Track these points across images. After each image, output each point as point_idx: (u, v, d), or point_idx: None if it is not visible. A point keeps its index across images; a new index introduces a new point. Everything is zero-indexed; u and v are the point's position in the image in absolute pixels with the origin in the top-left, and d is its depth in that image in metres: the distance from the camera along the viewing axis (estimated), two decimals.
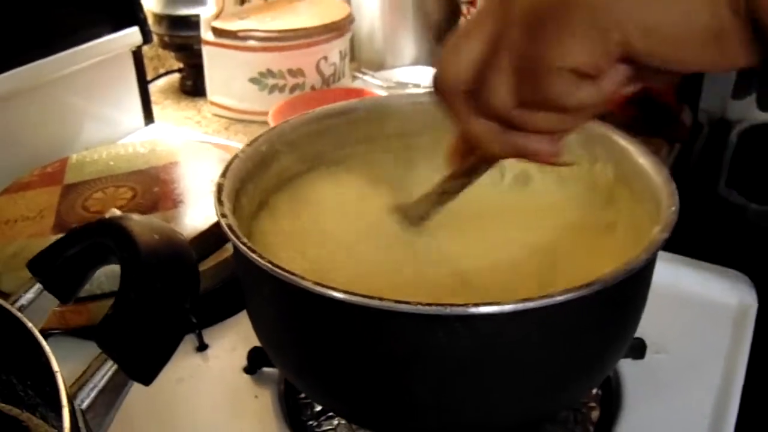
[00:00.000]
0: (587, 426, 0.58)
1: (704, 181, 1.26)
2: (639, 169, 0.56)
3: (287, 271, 0.39)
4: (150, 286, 0.37)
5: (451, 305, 0.36)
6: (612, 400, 0.60)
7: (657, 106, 1.08)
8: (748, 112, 1.24)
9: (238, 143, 1.00)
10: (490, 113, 0.40)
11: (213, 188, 0.50)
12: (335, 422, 0.57)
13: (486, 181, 0.61)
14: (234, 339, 0.65)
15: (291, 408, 0.58)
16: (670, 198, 0.50)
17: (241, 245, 0.42)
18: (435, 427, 0.44)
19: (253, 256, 0.40)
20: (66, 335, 0.64)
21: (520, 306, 0.37)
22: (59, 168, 0.84)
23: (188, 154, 0.85)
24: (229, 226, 0.44)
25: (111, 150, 0.87)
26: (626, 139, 0.59)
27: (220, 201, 0.48)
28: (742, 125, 1.26)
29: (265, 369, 0.61)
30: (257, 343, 0.61)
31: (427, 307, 0.36)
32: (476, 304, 0.37)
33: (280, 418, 0.57)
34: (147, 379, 0.36)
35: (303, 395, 0.59)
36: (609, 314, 0.45)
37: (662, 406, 0.59)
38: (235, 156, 0.55)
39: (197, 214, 0.72)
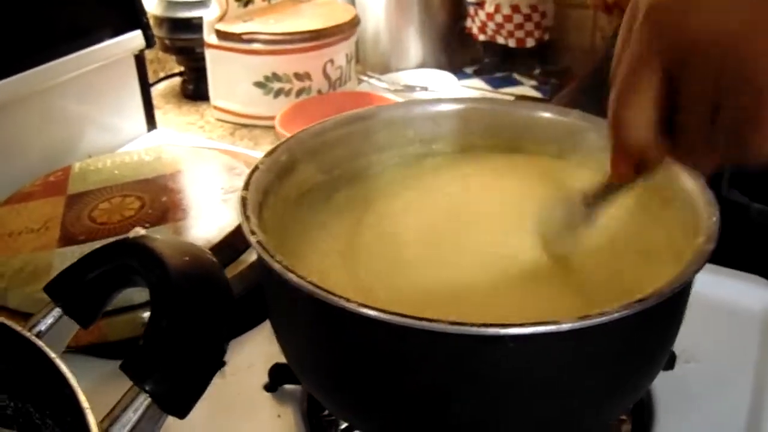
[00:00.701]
0: None
1: (708, 182, 1.25)
2: (672, 176, 0.55)
3: (331, 293, 0.37)
4: (183, 313, 0.35)
5: (508, 325, 0.35)
6: (643, 412, 0.58)
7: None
8: None
9: (244, 149, 0.98)
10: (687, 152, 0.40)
11: (236, 202, 0.48)
12: None
13: None
14: (251, 355, 0.63)
15: (315, 427, 0.56)
16: (709, 207, 0.49)
17: (276, 264, 0.40)
18: None
19: (291, 276, 0.38)
20: (76, 353, 0.62)
21: (578, 324, 0.36)
22: (62, 177, 0.82)
23: (195, 161, 0.83)
24: (260, 243, 0.42)
25: (115, 158, 0.85)
26: None
27: (246, 216, 0.46)
28: None
29: (287, 386, 0.59)
30: (276, 360, 0.59)
31: (482, 329, 0.34)
32: (534, 323, 0.35)
33: None
34: (183, 413, 0.34)
35: (327, 413, 0.57)
36: (657, 328, 0.44)
37: (695, 417, 0.58)
38: (256, 167, 0.53)
39: (209, 224, 0.70)
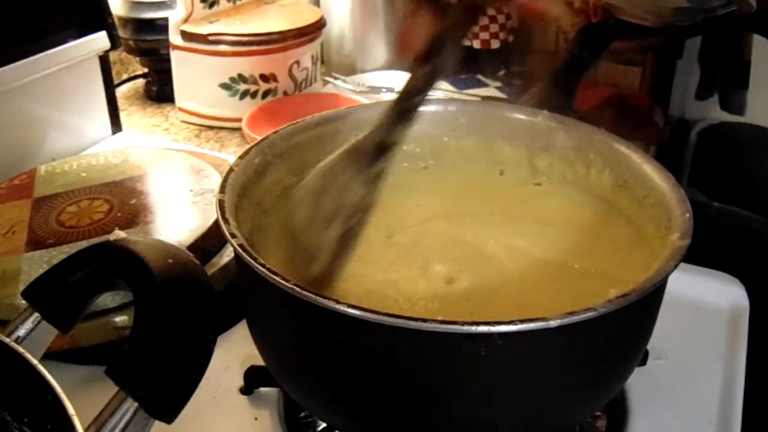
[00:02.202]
0: None
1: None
2: (642, 175, 0.56)
3: (320, 295, 0.37)
4: (169, 316, 0.34)
5: (498, 323, 0.35)
6: (617, 408, 0.59)
7: (631, 109, 1.09)
8: (706, 111, 1.26)
9: (211, 151, 0.97)
10: None
11: (214, 204, 0.47)
12: None
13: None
14: (226, 358, 0.63)
15: (293, 429, 0.56)
16: (681, 204, 0.50)
17: (259, 267, 0.39)
18: None
19: (277, 279, 0.38)
20: (48, 359, 0.60)
21: (565, 321, 0.36)
22: (27, 181, 0.80)
23: (162, 163, 0.82)
24: (242, 247, 0.42)
25: (81, 160, 0.84)
26: (626, 145, 0.59)
27: (225, 219, 0.45)
28: (701, 125, 1.28)
29: (263, 389, 0.59)
30: (250, 362, 0.59)
31: (472, 327, 0.35)
32: (522, 321, 0.35)
33: None
34: (171, 418, 0.34)
35: (304, 415, 0.57)
36: (637, 323, 0.45)
37: (668, 412, 0.59)
38: (230, 170, 0.53)
39: (179, 226, 0.69)
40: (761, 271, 0.79)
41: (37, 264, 0.65)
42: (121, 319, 0.62)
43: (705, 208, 1.28)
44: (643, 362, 0.61)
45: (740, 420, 0.58)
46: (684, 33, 0.93)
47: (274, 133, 0.59)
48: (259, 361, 0.56)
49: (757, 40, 0.95)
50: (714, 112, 1.27)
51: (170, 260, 0.37)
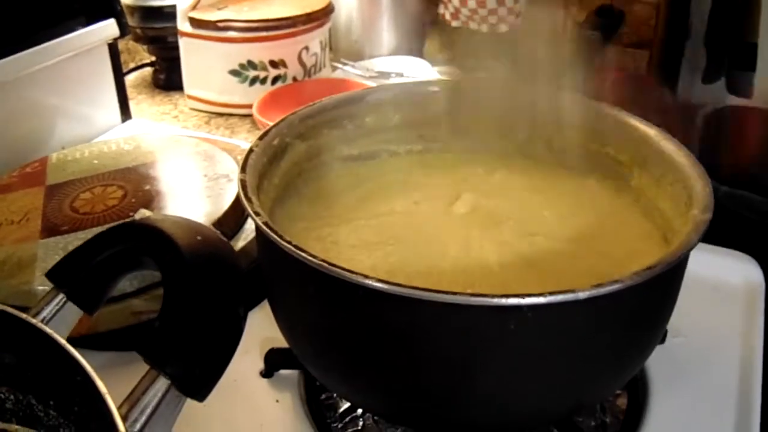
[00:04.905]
0: (616, 414, 0.57)
1: None
2: (660, 152, 0.56)
3: (349, 270, 0.37)
4: (200, 293, 0.34)
5: (527, 295, 0.35)
6: (638, 386, 0.59)
7: (639, 92, 1.08)
8: (711, 95, 1.26)
9: (222, 137, 0.97)
10: None
11: (237, 183, 0.47)
12: (361, 423, 0.55)
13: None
14: (245, 342, 0.60)
15: (314, 410, 0.56)
16: (701, 179, 0.50)
17: (285, 244, 0.39)
18: (491, 420, 0.43)
19: (303, 255, 0.38)
20: None
21: (594, 292, 0.36)
22: (39, 168, 0.80)
23: (175, 149, 0.82)
24: (267, 224, 0.42)
25: (93, 148, 0.84)
26: (644, 123, 0.59)
27: (248, 198, 0.45)
28: (706, 109, 1.27)
29: (283, 371, 0.59)
30: (270, 345, 0.59)
31: (502, 299, 0.35)
32: (552, 293, 0.35)
33: (305, 422, 0.55)
34: (203, 395, 0.34)
35: (325, 396, 0.57)
36: (662, 296, 0.46)
37: (688, 389, 0.59)
38: (251, 150, 0.53)
39: (195, 211, 0.69)
40: None
41: (52, 250, 0.65)
42: (138, 302, 0.62)
43: (714, 192, 1.28)
44: (663, 340, 0.61)
45: (760, 396, 0.58)
46: None
47: (293, 114, 0.59)
48: (279, 344, 0.56)
49: (764, 21, 0.95)
50: (719, 96, 1.27)
51: (198, 237, 0.37)
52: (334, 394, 0.57)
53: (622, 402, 0.58)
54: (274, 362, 0.58)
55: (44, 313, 0.41)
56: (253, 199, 0.45)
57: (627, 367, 0.46)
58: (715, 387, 0.59)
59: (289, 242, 0.39)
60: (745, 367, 0.61)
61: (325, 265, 0.38)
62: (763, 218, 0.94)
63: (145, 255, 0.38)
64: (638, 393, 0.59)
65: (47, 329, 0.38)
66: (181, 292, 0.34)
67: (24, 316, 0.38)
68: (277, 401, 0.57)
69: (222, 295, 0.35)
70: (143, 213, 0.40)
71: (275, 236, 0.40)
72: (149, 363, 0.34)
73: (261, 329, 0.61)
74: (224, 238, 0.39)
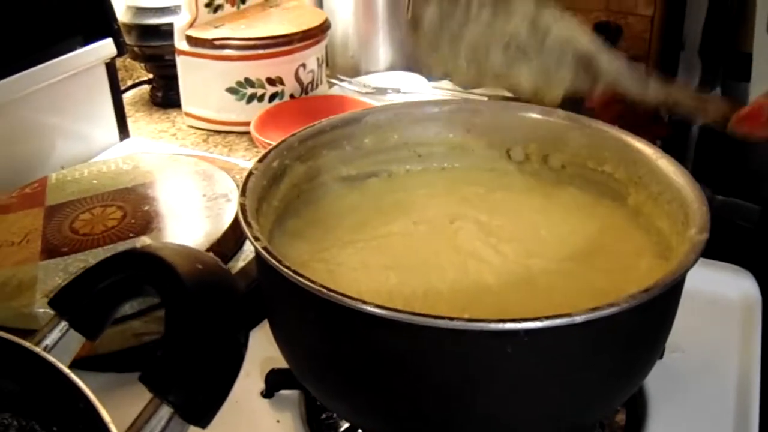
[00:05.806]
0: (614, 429, 0.58)
1: None
2: (657, 171, 0.56)
3: (346, 296, 0.37)
4: (201, 321, 0.35)
5: (524, 320, 0.35)
6: (636, 402, 0.59)
7: (637, 104, 1.09)
8: None
9: (220, 155, 0.98)
10: None
11: (237, 208, 0.47)
12: None
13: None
14: (246, 363, 0.61)
15: (315, 430, 0.56)
16: (698, 199, 0.51)
17: (284, 269, 0.40)
18: None
19: (302, 280, 0.39)
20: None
21: (590, 316, 0.37)
22: (39, 189, 0.81)
23: (173, 169, 0.82)
24: (266, 249, 0.42)
25: (92, 168, 0.84)
26: (641, 142, 0.59)
27: (248, 223, 0.45)
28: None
29: (284, 391, 0.59)
30: (271, 366, 0.59)
31: (499, 324, 0.35)
32: (548, 317, 0.36)
33: None
34: (206, 422, 0.34)
35: (326, 416, 0.57)
36: (659, 317, 0.46)
37: (686, 404, 0.59)
38: (250, 173, 0.53)
39: (195, 232, 0.69)
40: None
41: (53, 272, 0.65)
42: (138, 324, 0.62)
43: (709, 202, 1.28)
44: (661, 356, 0.61)
45: (758, 410, 0.59)
46: None
47: (292, 136, 0.60)
48: (279, 365, 0.56)
49: (758, 32, 0.96)
50: None
51: (198, 265, 0.37)
52: (335, 415, 0.57)
53: (621, 418, 0.59)
54: (274, 383, 0.59)
55: (47, 341, 0.41)
56: (253, 223, 0.46)
57: (625, 387, 0.47)
58: (713, 401, 0.59)
59: (288, 267, 0.40)
60: (742, 381, 0.61)
61: (325, 290, 0.38)
62: (758, 228, 0.94)
63: (146, 283, 0.38)
64: (637, 408, 0.59)
65: (50, 358, 0.38)
66: (183, 321, 0.35)
67: (27, 344, 0.38)
68: (278, 421, 0.57)
69: (223, 322, 0.35)
70: (144, 241, 0.40)
71: (275, 262, 0.40)
72: (152, 391, 0.34)
73: (261, 349, 0.61)
74: (224, 266, 0.39)
